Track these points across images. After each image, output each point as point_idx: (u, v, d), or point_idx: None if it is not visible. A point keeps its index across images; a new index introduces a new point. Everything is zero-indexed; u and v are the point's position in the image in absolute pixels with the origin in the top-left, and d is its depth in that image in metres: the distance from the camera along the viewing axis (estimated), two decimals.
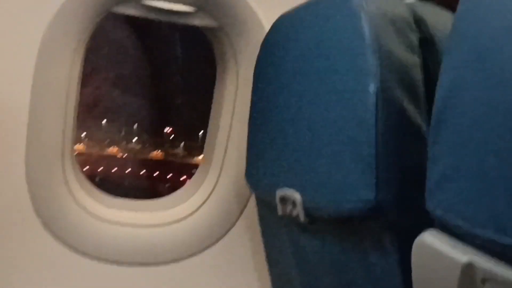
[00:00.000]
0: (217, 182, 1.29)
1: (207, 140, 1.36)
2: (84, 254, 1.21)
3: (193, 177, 1.36)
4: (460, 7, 0.52)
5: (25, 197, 1.16)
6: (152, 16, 1.22)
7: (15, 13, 1.12)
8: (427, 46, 0.71)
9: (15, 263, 1.18)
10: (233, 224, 1.29)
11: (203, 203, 1.29)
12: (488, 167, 0.46)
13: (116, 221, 1.24)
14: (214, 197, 1.29)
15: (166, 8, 1.21)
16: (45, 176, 1.18)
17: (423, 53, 0.70)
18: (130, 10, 1.20)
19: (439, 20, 0.73)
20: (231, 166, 1.28)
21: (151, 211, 1.29)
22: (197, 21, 1.24)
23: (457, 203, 0.50)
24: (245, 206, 1.28)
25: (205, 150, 1.37)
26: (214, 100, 1.34)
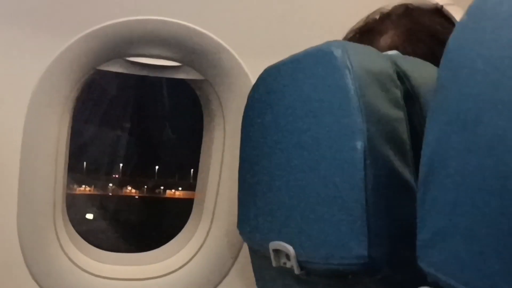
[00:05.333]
0: (208, 232, 1.29)
1: (197, 190, 1.37)
2: None
3: (184, 228, 1.36)
4: (442, 68, 0.53)
5: (18, 254, 1.17)
6: (137, 72, 1.24)
7: (3, 73, 1.13)
8: (411, 100, 0.72)
9: None
10: (227, 273, 1.29)
11: (196, 254, 1.29)
12: (477, 229, 0.47)
13: (108, 276, 1.24)
14: (206, 247, 1.29)
15: (151, 64, 1.23)
16: (37, 233, 1.18)
17: (407, 107, 0.72)
18: (115, 67, 1.22)
19: (422, 73, 0.74)
20: (222, 216, 1.29)
21: (144, 264, 1.29)
22: (182, 75, 1.26)
23: (448, 263, 0.51)
24: (238, 253, 1.28)
25: (195, 199, 1.37)
26: (202, 150, 1.35)
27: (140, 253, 1.35)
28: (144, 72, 1.25)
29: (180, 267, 1.28)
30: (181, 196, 3.16)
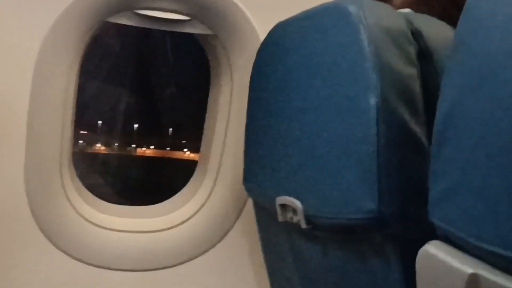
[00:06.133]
0: (214, 186, 1.30)
1: (202, 145, 1.37)
2: (84, 261, 1.22)
3: (190, 182, 1.37)
4: (461, 25, 0.53)
5: (25, 206, 1.17)
6: (146, 25, 1.23)
7: (13, 24, 1.12)
8: (425, 57, 0.72)
9: (15, 271, 1.19)
10: (231, 228, 1.30)
11: (201, 207, 1.30)
12: (491, 184, 0.48)
13: (115, 228, 1.25)
14: (211, 201, 1.30)
15: (159, 17, 1.22)
16: (44, 185, 1.19)
17: (420, 65, 0.72)
18: (124, 20, 1.21)
19: (436, 31, 0.74)
20: (228, 171, 1.29)
21: (149, 217, 1.30)
22: (191, 29, 1.25)
23: (460, 218, 0.52)
24: (242, 209, 1.29)
25: (200, 155, 1.38)
26: (208, 106, 1.35)
27: (145, 207, 1.36)
28: (152, 25, 1.24)
29: (186, 220, 1.28)
30: (152, 155, 3.19)
